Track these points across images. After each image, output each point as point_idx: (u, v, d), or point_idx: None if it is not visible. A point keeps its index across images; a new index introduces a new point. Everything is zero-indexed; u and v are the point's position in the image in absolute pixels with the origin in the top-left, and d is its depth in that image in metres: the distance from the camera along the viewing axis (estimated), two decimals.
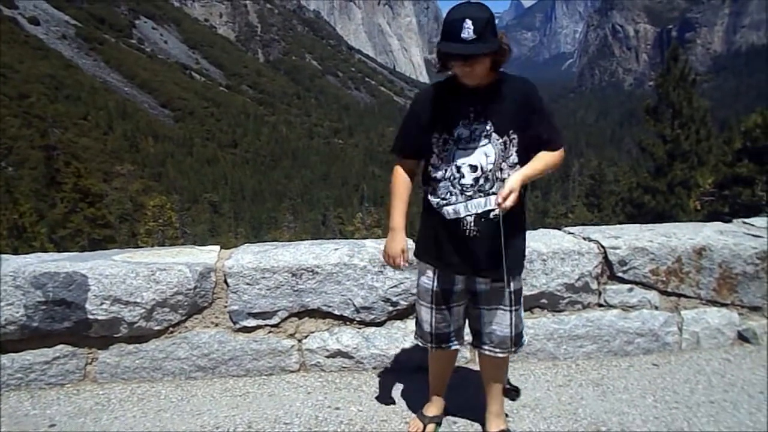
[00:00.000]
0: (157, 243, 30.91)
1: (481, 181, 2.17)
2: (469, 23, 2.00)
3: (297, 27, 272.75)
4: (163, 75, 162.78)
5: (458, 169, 2.18)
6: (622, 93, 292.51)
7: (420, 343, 2.47)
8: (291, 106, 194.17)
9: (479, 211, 2.18)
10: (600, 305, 3.23)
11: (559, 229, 3.57)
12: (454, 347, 2.43)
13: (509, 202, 2.06)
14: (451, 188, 2.20)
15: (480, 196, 2.18)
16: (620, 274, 3.21)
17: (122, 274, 2.87)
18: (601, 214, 29.35)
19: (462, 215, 2.19)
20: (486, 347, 2.35)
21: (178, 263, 2.98)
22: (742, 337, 3.33)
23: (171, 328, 2.97)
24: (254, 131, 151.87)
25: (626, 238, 3.27)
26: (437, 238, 2.26)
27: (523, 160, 2.19)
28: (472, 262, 2.22)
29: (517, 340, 2.35)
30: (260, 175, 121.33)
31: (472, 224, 2.19)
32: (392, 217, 2.30)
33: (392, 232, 2.30)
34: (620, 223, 22.34)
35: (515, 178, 2.10)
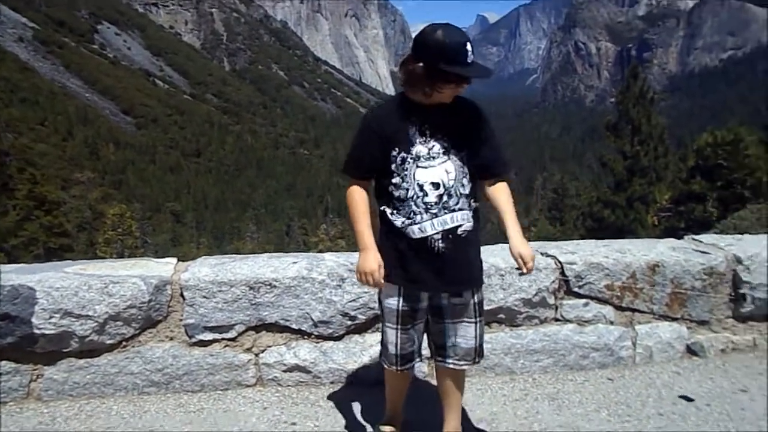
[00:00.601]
0: (116, 252, 30.23)
1: (445, 197, 2.18)
2: (469, 47, 2.07)
3: (263, 36, 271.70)
4: (125, 81, 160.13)
5: (421, 187, 2.18)
6: (584, 109, 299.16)
7: (385, 365, 2.43)
8: (256, 116, 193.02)
9: (446, 228, 2.19)
10: (557, 320, 3.27)
11: None
12: (417, 365, 2.43)
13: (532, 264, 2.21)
14: (414, 207, 2.18)
15: (445, 213, 2.19)
16: (576, 289, 3.26)
17: (74, 287, 2.79)
18: (563, 227, 29.85)
19: (429, 233, 2.19)
20: (450, 360, 2.34)
21: (133, 276, 2.92)
22: (691, 351, 3.42)
23: (124, 342, 2.89)
24: (218, 140, 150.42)
25: (582, 254, 3.33)
26: (402, 257, 2.23)
27: (474, 179, 2.26)
28: (442, 278, 2.22)
29: (480, 351, 2.36)
30: (224, 185, 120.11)
31: (440, 241, 2.19)
32: (361, 237, 2.22)
33: (364, 252, 2.22)
34: (581, 236, 22.81)
35: (525, 243, 2.22)
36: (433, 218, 2.18)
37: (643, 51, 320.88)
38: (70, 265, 3.10)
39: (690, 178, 15.26)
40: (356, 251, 3.44)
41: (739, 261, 3.46)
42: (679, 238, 3.93)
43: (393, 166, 2.19)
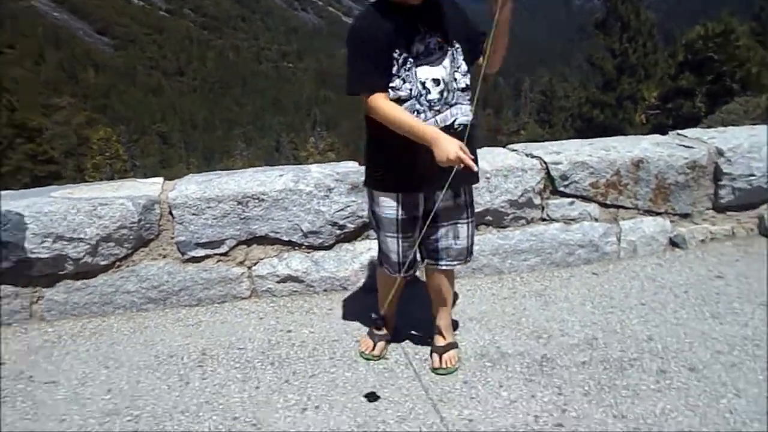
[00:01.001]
0: (105, 177, 30.03)
1: (445, 93, 2.17)
2: None
3: None
4: None
5: (423, 84, 2.15)
6: (572, 7, 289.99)
7: (387, 272, 2.46)
8: (237, 30, 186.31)
9: (447, 123, 2.18)
10: (543, 219, 3.33)
11: (503, 147, 3.62)
12: (418, 269, 2.49)
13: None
14: (417, 106, 2.16)
15: (446, 109, 2.18)
16: (562, 189, 3.30)
17: (62, 211, 2.81)
18: (552, 130, 29.73)
19: None
20: (443, 262, 2.40)
21: (120, 197, 2.93)
22: (673, 243, 3.51)
23: (118, 263, 2.95)
24: (200, 57, 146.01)
25: (567, 154, 3.34)
26: (403, 162, 2.20)
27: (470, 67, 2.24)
28: (443, 174, 2.11)
29: (471, 250, 2.42)
30: (209, 103, 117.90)
31: None
32: (422, 133, 2.08)
33: (436, 140, 2.05)
34: (570, 138, 22.75)
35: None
36: (436, 115, 2.17)
37: None
38: (56, 190, 3.11)
39: (679, 73, 15.06)
40: (344, 160, 3.46)
41: (720, 153, 3.49)
42: (665, 134, 3.94)
43: (395, 69, 2.14)
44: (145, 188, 3.09)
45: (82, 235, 2.82)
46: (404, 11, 2.13)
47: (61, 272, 2.87)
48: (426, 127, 2.10)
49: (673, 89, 14.90)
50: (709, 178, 3.49)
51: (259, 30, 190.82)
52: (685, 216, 3.52)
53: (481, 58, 2.20)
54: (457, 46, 2.20)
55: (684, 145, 3.52)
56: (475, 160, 2.31)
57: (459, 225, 2.36)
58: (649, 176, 3.38)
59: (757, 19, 26.87)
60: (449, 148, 2.02)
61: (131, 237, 2.91)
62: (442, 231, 2.37)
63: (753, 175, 3.50)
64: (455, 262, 2.41)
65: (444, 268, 2.42)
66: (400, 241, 2.35)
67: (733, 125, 8.41)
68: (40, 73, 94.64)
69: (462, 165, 2.01)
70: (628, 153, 3.38)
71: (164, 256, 3.01)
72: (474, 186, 2.48)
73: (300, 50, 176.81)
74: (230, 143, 65.28)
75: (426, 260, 2.46)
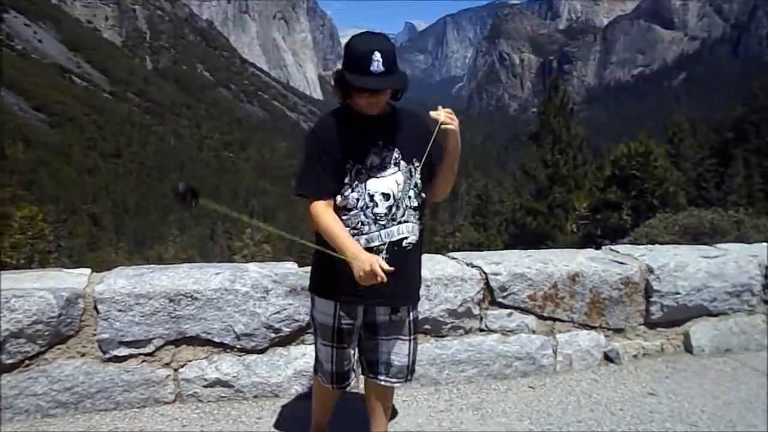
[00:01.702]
0: (24, 257, 28.45)
1: (394, 209, 2.15)
2: (378, 56, 2.00)
3: (189, 36, 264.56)
4: (37, 76, 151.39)
5: (371, 197, 2.14)
6: (507, 117, 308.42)
7: (321, 381, 2.37)
8: (180, 117, 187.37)
9: (392, 240, 2.15)
10: (481, 330, 3.32)
11: (443, 254, 3.65)
12: (352, 383, 2.39)
13: (448, 120, 2.10)
14: (363, 217, 2.14)
15: (393, 225, 2.15)
16: (501, 300, 3.32)
17: None
18: (487, 233, 30.55)
19: (375, 244, 2.14)
20: (382, 377, 2.31)
21: (41, 289, 2.73)
22: (608, 358, 3.55)
23: (27, 361, 2.70)
24: (140, 141, 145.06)
25: (507, 264, 3.40)
26: (342, 271, 2.11)
27: (422, 192, 2.24)
28: (381, 291, 2.11)
29: (413, 368, 2.35)
30: (145, 187, 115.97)
31: (384, 253, 2.13)
32: (346, 248, 2.05)
33: (355, 256, 2.03)
34: (504, 242, 23.43)
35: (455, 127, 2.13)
36: (380, 229, 2.15)
37: (564, 63, 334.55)
38: None
39: (606, 187, 16.02)
40: (283, 261, 3.39)
41: (651, 271, 3.63)
42: (597, 245, 4.09)
43: (347, 179, 2.14)
44: (71, 279, 2.91)
45: None
46: (365, 121, 2.14)
47: None
48: (349, 243, 2.08)
49: (602, 201, 15.78)
50: (641, 294, 3.61)
51: (203, 119, 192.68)
52: (618, 331, 3.59)
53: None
54: (417, 164, 2.19)
55: (617, 261, 3.65)
56: (418, 280, 2.31)
57: (400, 341, 2.30)
58: (584, 290, 3.46)
59: (671, 142, 29.32)
60: (365, 265, 2.01)
61: (47, 333, 2.70)
62: (382, 345, 2.30)
63: (678, 293, 3.65)
64: (394, 380, 2.32)
65: (382, 383, 2.33)
66: (335, 351, 2.27)
67: (655, 239, 8.89)
68: None
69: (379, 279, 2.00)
70: (565, 267, 3.46)
71: (82, 355, 2.79)
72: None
73: (242, 141, 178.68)
74: (164, 229, 63.71)
75: (365, 373, 2.38)
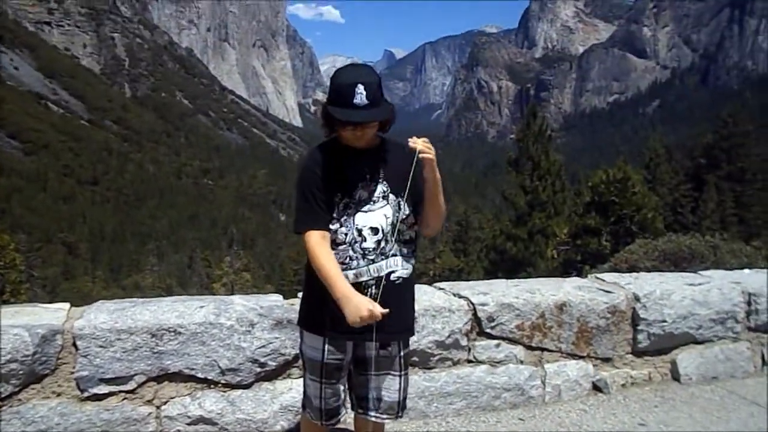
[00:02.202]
0: None
1: (383, 243, 2.13)
2: (361, 88, 1.99)
3: (168, 63, 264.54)
4: (12, 103, 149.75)
5: (359, 232, 2.11)
6: (486, 144, 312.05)
7: (309, 417, 2.32)
8: (159, 144, 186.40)
9: (381, 274, 2.13)
10: (469, 361, 3.28)
11: (430, 284, 3.62)
12: (341, 419, 2.33)
13: (425, 149, 2.07)
14: (351, 252, 2.12)
15: (381, 259, 2.13)
16: (489, 330, 3.30)
17: None
18: (467, 259, 30.61)
19: (363, 279, 2.12)
20: (372, 413, 2.26)
21: (15, 326, 2.64)
22: (596, 387, 3.53)
23: None
24: (118, 168, 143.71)
25: (494, 295, 3.37)
26: (331, 305, 2.08)
27: (413, 226, 2.21)
28: (372, 325, 2.07)
29: (403, 405, 2.30)
30: (122, 215, 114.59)
31: (373, 287, 2.11)
32: (335, 288, 2.03)
33: (347, 299, 2.01)
34: (485, 269, 23.46)
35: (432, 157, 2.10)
36: (369, 264, 2.12)
37: (541, 90, 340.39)
38: None
39: (586, 213, 16.17)
40: (266, 293, 3.34)
41: (637, 299, 3.64)
42: (579, 271, 4.10)
43: (335, 213, 2.12)
44: (48, 315, 2.81)
45: None
46: (353, 154, 2.13)
47: None
48: (338, 283, 2.05)
49: (581, 227, 15.91)
50: (628, 323, 3.61)
51: (182, 146, 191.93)
52: (606, 360, 3.58)
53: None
54: (407, 197, 2.16)
55: (604, 290, 3.65)
56: (411, 316, 2.27)
57: (390, 376, 2.25)
58: (572, 319, 3.45)
59: (647, 168, 29.82)
60: (359, 310, 1.98)
61: (21, 372, 2.59)
62: (372, 381, 2.25)
63: (665, 321, 3.65)
64: (385, 416, 2.27)
65: (372, 419, 2.28)
66: (324, 386, 2.23)
67: (635, 265, 8.95)
68: None
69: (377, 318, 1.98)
70: (552, 296, 3.45)
71: (58, 394, 2.69)
72: None
73: (222, 168, 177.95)
74: (141, 257, 62.82)
75: (355, 409, 2.32)
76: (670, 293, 3.73)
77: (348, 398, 2.37)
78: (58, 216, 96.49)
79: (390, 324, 2.14)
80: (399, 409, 2.29)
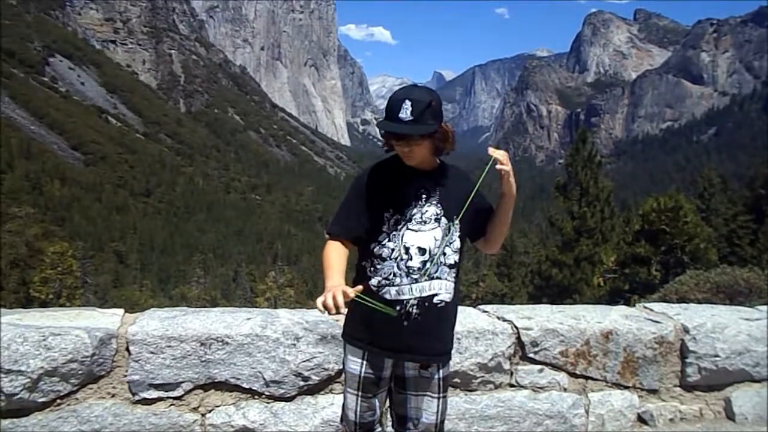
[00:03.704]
0: (53, 292, 28.88)
1: (428, 264, 2.15)
2: (408, 104, 2.04)
3: (221, 80, 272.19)
4: (76, 116, 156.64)
5: (407, 250, 2.14)
6: (534, 168, 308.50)
7: (344, 429, 2.36)
8: (209, 159, 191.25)
9: (423, 295, 2.15)
10: (511, 385, 3.25)
11: (473, 307, 3.61)
12: None
13: (503, 161, 2.08)
14: (396, 269, 2.14)
15: (425, 280, 2.15)
16: (532, 355, 3.26)
17: (6, 340, 2.61)
18: (511, 284, 30.20)
19: (405, 297, 2.14)
20: None
21: (77, 327, 2.76)
22: (641, 419, 3.44)
23: (59, 400, 2.71)
24: (169, 181, 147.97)
25: (538, 320, 3.34)
26: (371, 319, 2.15)
27: (464, 247, 2.24)
28: (410, 345, 2.15)
29: (441, 427, 2.30)
30: (172, 227, 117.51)
31: (415, 308, 2.14)
32: (328, 279, 2.07)
33: (326, 288, 2.02)
34: (529, 294, 23.11)
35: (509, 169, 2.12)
36: (412, 283, 2.14)
37: (591, 116, 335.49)
38: (5, 315, 2.92)
39: (635, 241, 15.80)
40: (311, 308, 3.39)
41: (686, 331, 3.54)
42: (626, 300, 4.02)
43: (385, 227, 2.16)
44: (104, 319, 2.93)
45: (23, 368, 2.60)
46: (411, 173, 2.17)
47: None
48: (331, 273, 2.10)
49: (630, 255, 15.55)
50: (676, 355, 3.51)
51: (231, 161, 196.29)
52: (652, 392, 3.48)
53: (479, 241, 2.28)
54: (457, 222, 2.19)
55: (651, 320, 3.57)
56: (450, 339, 2.29)
57: (428, 398, 2.26)
58: (618, 348, 3.38)
59: (701, 197, 28.94)
60: (327, 293, 1.96)
61: (80, 372, 2.71)
62: (411, 401, 2.26)
63: (718, 356, 3.53)
64: None
65: None
66: (360, 400, 2.25)
67: (686, 296, 8.69)
68: (3, 182, 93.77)
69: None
70: (598, 324, 3.40)
71: (113, 395, 2.79)
72: None
73: (269, 184, 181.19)
74: (188, 269, 64.19)
75: (395, 427, 2.34)
76: (723, 327, 3.61)
77: (389, 417, 2.39)
78: (111, 226, 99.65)
79: (429, 345, 2.17)
80: (436, 431, 2.28)
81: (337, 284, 2.02)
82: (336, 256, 2.16)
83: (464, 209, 2.15)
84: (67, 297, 28.80)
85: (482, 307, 3.60)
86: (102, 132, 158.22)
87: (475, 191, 2.17)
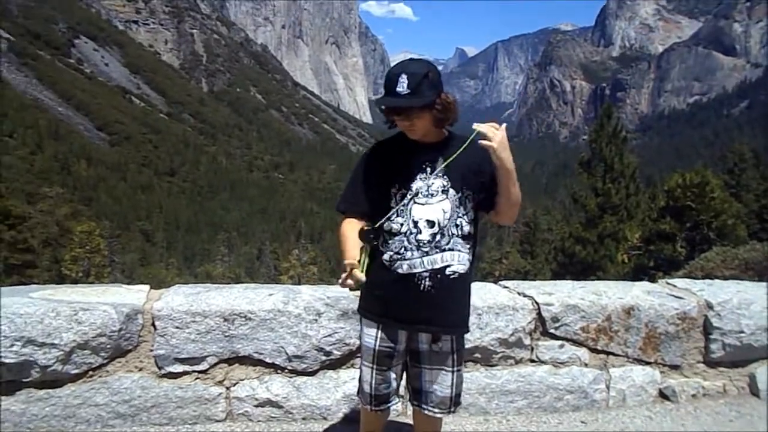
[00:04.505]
0: (82, 270, 29.50)
1: (438, 237, 2.15)
2: (404, 78, 2.02)
3: (243, 59, 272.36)
4: (101, 97, 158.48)
5: (416, 224, 2.14)
6: (557, 145, 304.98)
7: (360, 401, 2.40)
8: (232, 138, 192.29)
9: (435, 267, 2.15)
10: (532, 361, 3.26)
11: (495, 283, 3.61)
12: (392, 407, 2.38)
13: (497, 136, 2.05)
14: (406, 243, 2.15)
15: (436, 252, 2.15)
16: (552, 331, 3.26)
17: (39, 314, 2.69)
18: (534, 261, 30.05)
19: (417, 271, 2.15)
20: (425, 406, 2.30)
21: (104, 303, 2.84)
22: (663, 395, 3.43)
23: (90, 372, 2.80)
24: (193, 161, 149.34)
25: (559, 295, 3.33)
26: (385, 293, 2.19)
27: (479, 216, 2.23)
28: (423, 317, 2.17)
29: (456, 401, 2.31)
30: (196, 206, 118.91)
31: (427, 280, 2.15)
32: (343, 253, 2.15)
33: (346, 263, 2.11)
34: (552, 271, 22.98)
35: (507, 148, 2.08)
36: (423, 256, 2.15)
37: (617, 90, 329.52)
38: (38, 290, 3.01)
39: (660, 217, 15.57)
40: (329, 281, 3.43)
41: (710, 307, 3.50)
42: (651, 277, 3.98)
43: (392, 203, 2.17)
44: (130, 296, 3.00)
45: (56, 341, 2.69)
46: (416, 147, 2.16)
47: (24, 380, 2.70)
48: (347, 247, 2.16)
49: (655, 232, 15.33)
50: (699, 331, 3.48)
51: (254, 140, 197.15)
52: (674, 367, 3.47)
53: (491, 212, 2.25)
54: (468, 192, 2.18)
55: (674, 295, 3.54)
56: (464, 311, 2.29)
57: (443, 372, 2.27)
58: (639, 324, 3.36)
59: (730, 173, 28.35)
60: (345, 269, 2.07)
61: (109, 346, 2.79)
62: (425, 374, 2.29)
63: (743, 332, 3.49)
64: (437, 410, 2.30)
65: (426, 413, 2.32)
66: (375, 372, 2.28)
67: (712, 273, 8.56)
68: (35, 163, 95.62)
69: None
70: (619, 299, 3.38)
71: (140, 369, 2.87)
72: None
73: (292, 162, 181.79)
74: (212, 247, 65.05)
75: (411, 401, 2.38)
76: (749, 303, 3.56)
77: (406, 391, 2.42)
78: (137, 205, 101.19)
79: (441, 317, 2.18)
80: (451, 404, 2.30)
81: (350, 262, 2.09)
82: (350, 231, 2.19)
83: (444, 164, 2.12)
84: (95, 275, 29.43)
85: (503, 282, 3.60)
86: (126, 112, 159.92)
87: (451, 159, 2.11)
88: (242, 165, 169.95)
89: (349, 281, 2.07)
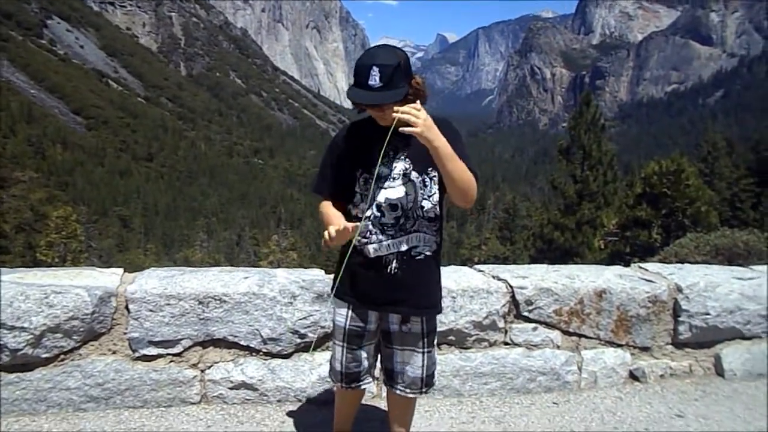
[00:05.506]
0: (58, 256, 29.09)
1: (402, 219, 2.17)
2: (375, 71, 1.99)
3: (222, 43, 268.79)
4: (76, 80, 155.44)
5: (378, 207, 2.17)
6: (537, 132, 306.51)
7: (332, 380, 2.43)
8: (212, 123, 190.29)
9: (401, 250, 2.18)
10: (505, 343, 3.31)
11: (470, 267, 3.64)
12: (363, 386, 2.40)
13: (419, 119, 1.96)
14: (371, 227, 2.18)
15: (401, 235, 2.17)
16: (526, 314, 3.31)
17: (8, 297, 2.66)
18: (513, 247, 30.34)
19: (384, 254, 2.18)
20: (398, 387, 2.33)
21: (77, 286, 2.81)
22: (633, 376, 3.50)
23: (62, 356, 2.78)
24: (171, 146, 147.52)
25: (533, 279, 3.38)
26: (355, 275, 2.22)
27: (443, 196, 2.22)
28: (391, 299, 2.20)
29: (428, 381, 2.34)
30: (175, 191, 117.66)
31: (394, 262, 2.18)
32: (325, 223, 2.19)
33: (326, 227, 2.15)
34: (531, 257, 23.20)
35: (432, 128, 2.00)
36: (388, 239, 2.17)
37: (596, 78, 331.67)
38: (7, 273, 2.97)
39: (636, 204, 15.78)
40: (309, 267, 3.43)
41: (679, 290, 3.58)
42: (626, 263, 4.04)
43: (357, 187, 2.20)
44: (104, 279, 2.98)
45: (26, 324, 2.67)
46: (381, 131, 2.10)
47: None
48: (329, 217, 2.20)
49: (631, 218, 15.55)
50: (669, 313, 3.55)
51: (233, 125, 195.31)
52: (644, 349, 3.54)
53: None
54: (433, 174, 2.17)
55: (645, 279, 3.60)
56: (433, 292, 2.30)
57: (414, 353, 2.30)
58: (611, 307, 3.43)
59: (704, 161, 28.77)
60: (329, 230, 2.07)
61: (82, 329, 2.77)
62: (397, 355, 2.32)
63: (708, 314, 3.58)
64: (408, 390, 2.33)
65: (398, 393, 2.35)
66: (345, 351, 2.31)
67: (685, 259, 8.71)
68: (6, 147, 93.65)
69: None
70: (591, 283, 3.43)
71: (114, 352, 2.86)
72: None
73: (272, 148, 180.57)
74: (191, 233, 64.55)
75: (384, 381, 2.41)
76: (715, 286, 3.65)
77: (378, 371, 2.45)
78: (114, 190, 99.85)
79: (410, 298, 2.20)
80: (423, 385, 2.33)
81: (337, 223, 2.11)
82: (331, 208, 2.25)
83: (379, 164, 2.09)
84: (72, 261, 29.04)
85: (478, 266, 3.64)
86: (103, 96, 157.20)
87: (381, 157, 2.07)
88: (222, 150, 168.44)
89: (350, 225, 2.05)
